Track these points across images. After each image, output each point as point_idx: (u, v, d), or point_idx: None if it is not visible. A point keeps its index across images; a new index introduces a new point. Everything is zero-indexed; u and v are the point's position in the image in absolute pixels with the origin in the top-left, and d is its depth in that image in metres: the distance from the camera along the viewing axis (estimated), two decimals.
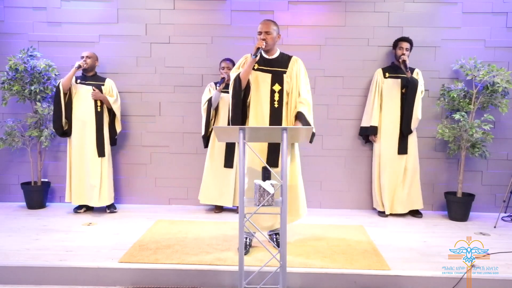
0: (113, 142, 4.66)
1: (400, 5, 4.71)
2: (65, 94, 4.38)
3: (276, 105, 3.33)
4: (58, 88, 4.35)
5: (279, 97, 3.34)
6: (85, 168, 4.44)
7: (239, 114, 3.32)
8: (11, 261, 3.13)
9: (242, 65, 3.35)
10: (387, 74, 4.56)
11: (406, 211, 4.55)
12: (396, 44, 4.50)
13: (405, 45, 4.43)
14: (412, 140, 4.54)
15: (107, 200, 4.54)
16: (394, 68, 4.55)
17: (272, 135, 2.80)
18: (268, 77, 3.34)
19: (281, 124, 3.32)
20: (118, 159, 4.89)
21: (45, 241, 3.60)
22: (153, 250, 3.39)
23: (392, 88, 4.52)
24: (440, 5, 4.69)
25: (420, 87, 4.41)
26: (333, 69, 4.77)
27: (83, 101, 4.45)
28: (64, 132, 4.45)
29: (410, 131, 4.46)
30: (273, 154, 3.31)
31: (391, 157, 4.50)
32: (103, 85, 4.54)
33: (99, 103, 4.48)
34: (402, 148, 4.50)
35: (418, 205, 4.56)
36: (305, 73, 3.43)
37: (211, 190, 4.55)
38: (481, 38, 4.69)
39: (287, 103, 3.38)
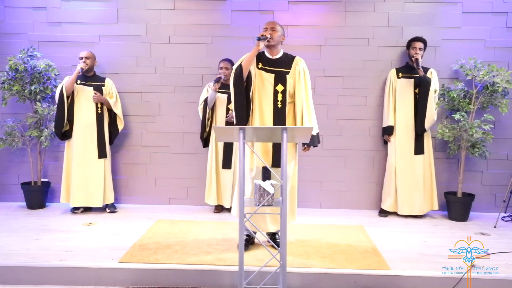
0: (111, 141, 4.67)
1: (400, 5, 4.71)
2: (67, 97, 4.39)
3: (279, 105, 3.34)
4: (61, 92, 4.34)
5: (282, 97, 3.35)
6: (87, 169, 4.44)
7: (244, 107, 3.28)
8: (11, 261, 3.13)
9: None
10: (400, 74, 4.56)
11: (424, 212, 4.50)
12: (409, 44, 4.50)
13: (419, 44, 4.42)
14: (427, 140, 4.53)
15: (109, 199, 4.57)
16: (408, 68, 4.55)
17: (273, 135, 2.80)
18: (271, 77, 3.35)
19: (284, 125, 3.32)
20: (118, 159, 4.89)
21: (45, 241, 3.60)
22: (153, 250, 3.39)
23: (405, 88, 4.52)
24: (440, 5, 4.69)
25: (433, 86, 4.39)
26: (333, 69, 4.77)
27: (84, 103, 4.46)
28: (64, 134, 4.46)
29: (424, 130, 4.44)
30: (278, 154, 3.31)
31: (408, 157, 4.48)
32: (103, 85, 4.55)
33: (99, 105, 4.50)
34: (419, 149, 4.48)
35: (435, 206, 4.53)
36: (308, 75, 3.42)
37: (213, 191, 4.55)
38: (481, 38, 4.69)
39: (290, 103, 3.38)
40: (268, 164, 3.30)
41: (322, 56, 4.77)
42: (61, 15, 4.81)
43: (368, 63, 4.75)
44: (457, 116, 4.31)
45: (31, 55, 4.59)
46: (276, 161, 3.32)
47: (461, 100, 4.40)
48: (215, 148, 4.54)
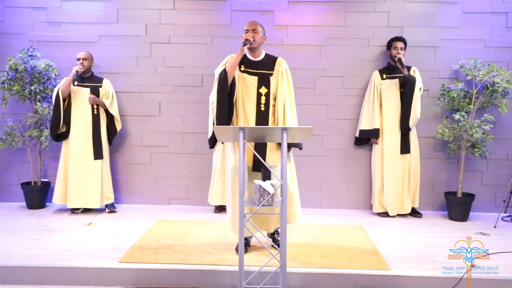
0: (109, 142, 4.65)
1: (400, 5, 4.71)
2: (64, 100, 4.39)
3: (262, 108, 3.29)
4: (57, 95, 4.34)
5: (265, 100, 3.29)
6: (84, 171, 4.44)
7: (226, 112, 3.21)
8: (11, 261, 3.13)
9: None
10: (384, 76, 4.56)
11: (408, 211, 4.54)
12: (390, 44, 4.51)
13: (400, 44, 4.43)
14: (413, 139, 4.54)
15: (108, 200, 4.58)
16: (390, 68, 4.55)
17: (268, 136, 2.79)
18: (254, 79, 3.30)
19: None
20: (118, 159, 4.89)
21: (45, 241, 3.61)
22: (153, 250, 3.39)
23: (390, 88, 4.52)
24: (440, 5, 4.69)
25: (418, 84, 4.41)
26: (333, 69, 4.77)
27: (81, 104, 4.46)
28: (59, 136, 4.45)
29: (409, 129, 4.45)
30: (260, 156, 3.25)
31: (394, 157, 4.49)
32: (100, 86, 4.54)
33: (95, 106, 4.50)
34: (405, 148, 4.50)
35: (415, 204, 4.57)
36: (290, 76, 3.37)
37: (220, 191, 4.50)
38: (481, 38, 4.69)
39: (273, 106, 3.33)
40: (250, 167, 3.26)
41: (322, 56, 4.77)
42: (61, 15, 4.81)
43: (368, 63, 4.75)
44: (457, 116, 4.31)
45: (31, 55, 4.60)
46: (256, 165, 3.23)
47: (461, 100, 4.40)
48: (223, 148, 4.50)
